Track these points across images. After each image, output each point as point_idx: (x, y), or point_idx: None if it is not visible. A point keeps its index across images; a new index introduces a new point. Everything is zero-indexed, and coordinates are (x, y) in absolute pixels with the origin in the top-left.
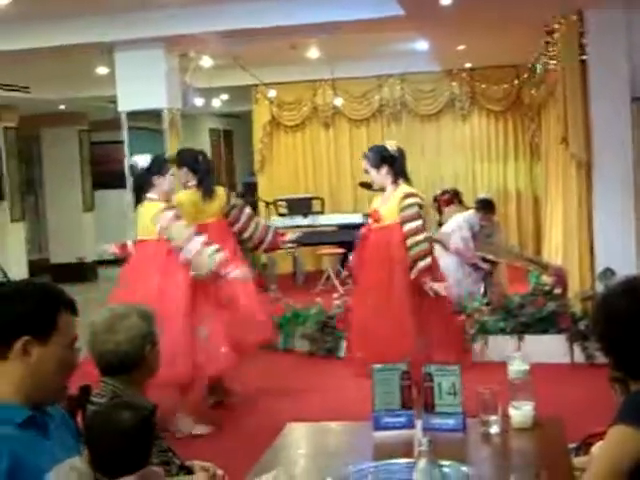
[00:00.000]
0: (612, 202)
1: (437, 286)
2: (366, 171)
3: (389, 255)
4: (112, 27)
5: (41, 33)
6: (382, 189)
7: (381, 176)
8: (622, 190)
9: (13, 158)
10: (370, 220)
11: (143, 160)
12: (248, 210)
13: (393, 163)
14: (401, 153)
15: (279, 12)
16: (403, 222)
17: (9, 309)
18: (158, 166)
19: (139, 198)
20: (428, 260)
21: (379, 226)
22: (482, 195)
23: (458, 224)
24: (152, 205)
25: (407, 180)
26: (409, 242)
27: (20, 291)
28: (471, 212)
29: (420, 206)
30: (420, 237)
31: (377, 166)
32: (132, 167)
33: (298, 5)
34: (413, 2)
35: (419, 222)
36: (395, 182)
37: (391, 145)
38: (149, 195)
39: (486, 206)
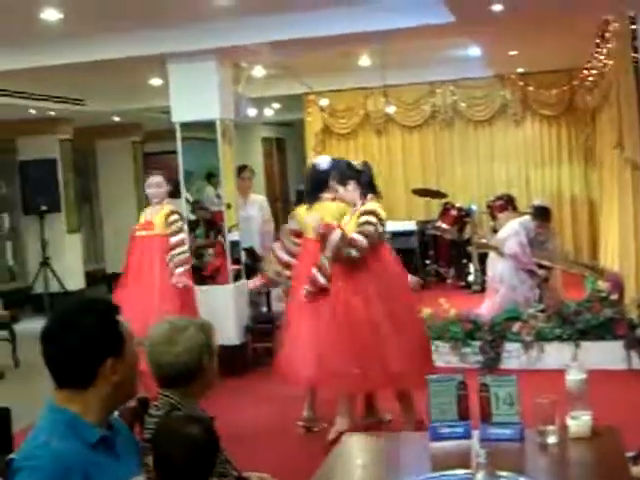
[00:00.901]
0: None
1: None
2: (335, 190)
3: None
4: (165, 39)
5: (95, 46)
6: (354, 205)
7: (348, 192)
8: None
9: (69, 170)
10: None
11: (324, 161)
12: None
13: (359, 178)
14: (368, 167)
15: (330, 22)
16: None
17: (84, 342)
18: (341, 169)
19: (314, 198)
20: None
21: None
22: (538, 202)
23: (514, 230)
24: (334, 205)
25: (376, 194)
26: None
27: (83, 318)
28: (527, 217)
29: (374, 224)
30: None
31: (343, 183)
32: (313, 167)
33: (349, 14)
34: (464, 9)
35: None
36: (364, 197)
37: (357, 162)
38: (324, 195)
39: (543, 214)
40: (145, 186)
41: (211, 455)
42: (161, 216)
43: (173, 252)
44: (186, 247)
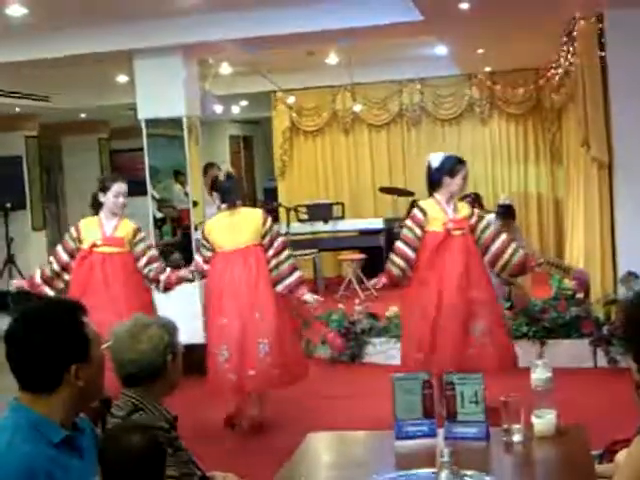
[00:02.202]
0: (634, 204)
1: None
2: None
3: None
4: (131, 35)
5: (61, 42)
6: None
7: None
8: None
9: (34, 167)
10: None
11: (435, 159)
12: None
13: (221, 189)
14: (229, 178)
15: (298, 19)
16: None
17: (49, 347)
18: (449, 166)
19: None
20: None
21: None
22: (501, 200)
23: None
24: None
25: (232, 204)
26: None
27: (48, 322)
28: (492, 216)
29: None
30: None
31: (210, 194)
32: (428, 165)
33: (316, 11)
34: (432, 7)
35: None
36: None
37: (222, 173)
38: (436, 195)
39: (506, 212)
40: (112, 193)
41: (156, 465)
42: (129, 232)
43: (152, 266)
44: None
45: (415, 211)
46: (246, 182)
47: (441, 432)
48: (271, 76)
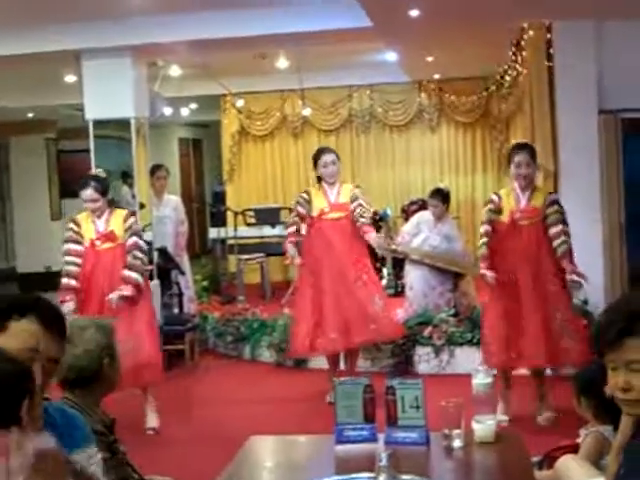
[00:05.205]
0: (578, 214)
1: None
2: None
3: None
4: (80, 35)
5: (8, 40)
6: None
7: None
8: (589, 201)
9: None
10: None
11: None
12: None
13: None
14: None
15: (247, 22)
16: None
17: None
18: (509, 154)
19: None
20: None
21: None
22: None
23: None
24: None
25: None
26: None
27: None
28: (425, 212)
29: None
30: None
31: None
32: None
33: (266, 15)
34: (381, 13)
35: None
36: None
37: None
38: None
39: (435, 193)
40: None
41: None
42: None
43: None
44: None
45: (492, 195)
46: (195, 185)
47: (382, 437)
48: (221, 79)
